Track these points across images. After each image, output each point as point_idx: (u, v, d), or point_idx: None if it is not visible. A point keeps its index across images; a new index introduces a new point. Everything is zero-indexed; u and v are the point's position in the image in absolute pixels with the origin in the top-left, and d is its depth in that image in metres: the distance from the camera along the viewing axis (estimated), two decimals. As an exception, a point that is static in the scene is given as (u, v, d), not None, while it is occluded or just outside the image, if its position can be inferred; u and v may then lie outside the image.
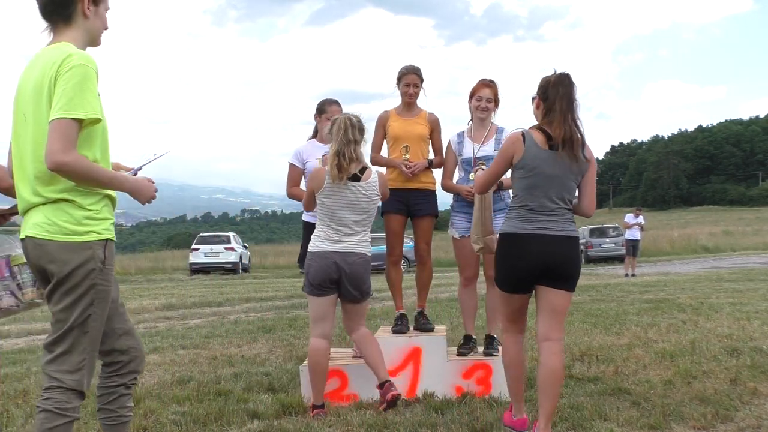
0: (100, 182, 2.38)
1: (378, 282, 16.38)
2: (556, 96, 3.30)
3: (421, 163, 4.63)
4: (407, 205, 4.67)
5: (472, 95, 4.51)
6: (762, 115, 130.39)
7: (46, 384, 2.39)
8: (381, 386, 3.98)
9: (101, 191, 2.44)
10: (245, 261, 27.28)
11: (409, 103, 4.73)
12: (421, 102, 4.79)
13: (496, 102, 4.51)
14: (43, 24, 2.49)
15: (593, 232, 28.26)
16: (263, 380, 4.91)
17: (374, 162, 4.76)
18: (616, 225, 27.62)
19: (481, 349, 4.60)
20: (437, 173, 4.80)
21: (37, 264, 2.43)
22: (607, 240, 27.36)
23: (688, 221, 65.51)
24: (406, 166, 4.58)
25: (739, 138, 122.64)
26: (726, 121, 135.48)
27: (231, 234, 26.93)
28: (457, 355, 4.52)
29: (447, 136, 4.74)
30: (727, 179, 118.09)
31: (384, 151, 4.83)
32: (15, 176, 2.48)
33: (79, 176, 2.32)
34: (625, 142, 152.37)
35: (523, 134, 3.33)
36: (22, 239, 2.47)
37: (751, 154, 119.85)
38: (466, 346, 4.57)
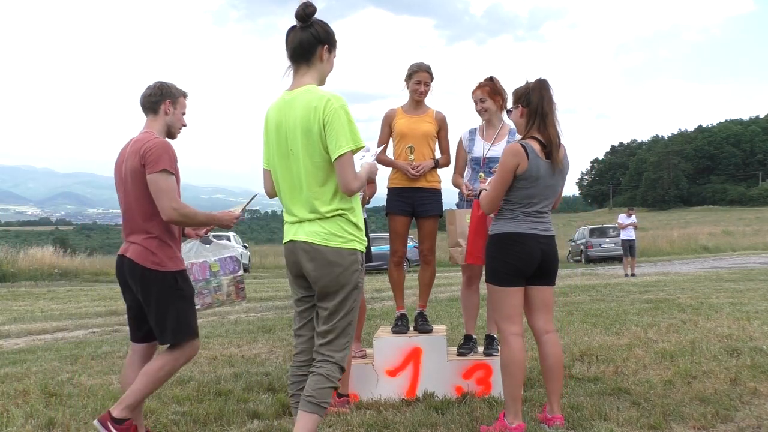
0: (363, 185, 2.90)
1: (378, 282, 16.26)
2: (541, 100, 3.39)
3: (427, 164, 4.60)
4: (412, 205, 4.65)
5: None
6: (762, 115, 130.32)
7: (319, 358, 2.87)
8: (339, 396, 4.09)
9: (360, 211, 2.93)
10: (245, 261, 27.22)
11: (417, 101, 4.66)
12: (428, 100, 4.73)
13: (494, 98, 4.38)
14: (286, 64, 2.94)
15: (593, 232, 28.26)
16: (263, 380, 4.91)
17: (380, 161, 4.73)
18: (616, 225, 27.65)
19: (481, 349, 4.60)
20: (443, 172, 4.76)
21: (310, 264, 2.81)
22: (607, 240, 27.36)
23: (688, 221, 65.50)
24: (412, 168, 4.56)
25: (739, 138, 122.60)
26: (726, 121, 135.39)
27: (231, 234, 26.87)
28: (457, 355, 4.53)
29: (452, 136, 4.72)
30: (727, 179, 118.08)
31: (390, 149, 4.77)
32: (287, 197, 2.91)
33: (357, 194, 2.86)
34: (625, 142, 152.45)
35: (523, 146, 3.37)
36: (293, 241, 2.87)
37: (751, 154, 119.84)
38: (466, 346, 4.57)
